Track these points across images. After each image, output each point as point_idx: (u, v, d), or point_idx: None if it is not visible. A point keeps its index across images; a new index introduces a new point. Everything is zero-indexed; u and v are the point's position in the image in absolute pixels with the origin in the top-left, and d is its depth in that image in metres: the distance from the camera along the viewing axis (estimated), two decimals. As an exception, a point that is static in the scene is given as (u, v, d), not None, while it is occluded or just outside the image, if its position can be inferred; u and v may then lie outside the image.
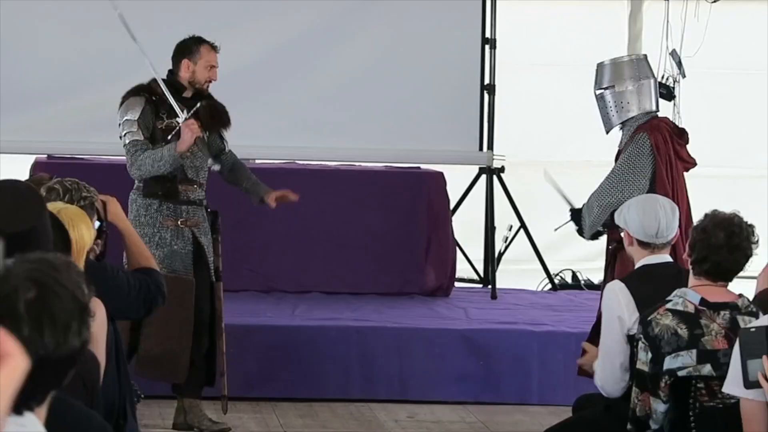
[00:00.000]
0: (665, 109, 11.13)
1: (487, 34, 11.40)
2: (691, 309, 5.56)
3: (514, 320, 9.97)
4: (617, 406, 6.07)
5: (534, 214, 11.64)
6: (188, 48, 8.53)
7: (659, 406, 5.68)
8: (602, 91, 8.36)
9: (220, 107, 8.51)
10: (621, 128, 8.32)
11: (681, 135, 8.31)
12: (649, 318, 5.58)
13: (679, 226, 7.34)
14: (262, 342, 9.49)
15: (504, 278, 11.65)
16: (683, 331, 5.56)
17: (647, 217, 6.31)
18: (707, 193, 11.17)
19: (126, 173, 8.52)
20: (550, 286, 11.82)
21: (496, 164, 11.55)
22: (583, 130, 11.91)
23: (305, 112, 11.33)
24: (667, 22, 11.65)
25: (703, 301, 5.57)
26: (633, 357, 5.89)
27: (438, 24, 11.28)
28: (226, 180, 8.67)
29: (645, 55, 8.62)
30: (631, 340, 5.98)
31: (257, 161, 11.36)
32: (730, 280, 5.71)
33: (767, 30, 11.94)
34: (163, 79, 8.43)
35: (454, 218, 11.33)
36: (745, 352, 4.98)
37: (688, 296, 5.59)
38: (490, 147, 11.60)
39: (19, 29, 11.08)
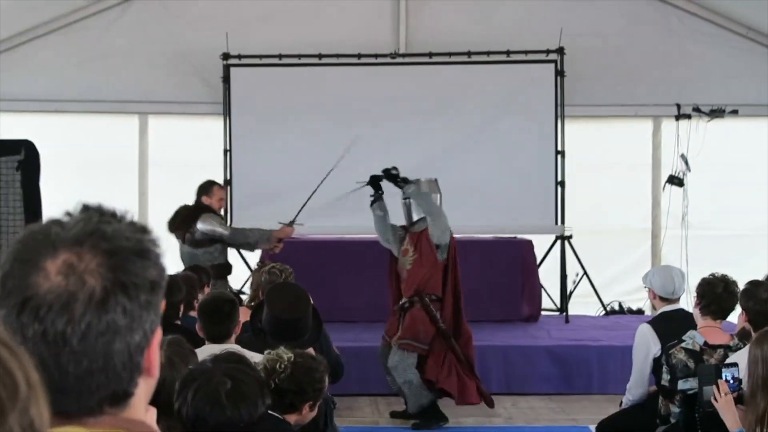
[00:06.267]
0: (677, 194, 11.38)
1: (559, 147, 11.67)
2: (697, 348, 5.63)
3: (581, 338, 10.03)
4: (650, 406, 6.03)
5: (592, 265, 11.62)
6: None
7: (675, 409, 5.76)
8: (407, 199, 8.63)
9: None
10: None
11: None
12: (670, 351, 5.70)
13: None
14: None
15: (573, 308, 11.69)
16: (691, 364, 5.59)
17: (666, 281, 6.36)
18: (708, 248, 11.50)
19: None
20: (604, 312, 11.70)
21: (567, 233, 11.68)
22: (621, 206, 11.96)
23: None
24: (678, 134, 11.76)
25: (706, 343, 5.62)
26: (658, 373, 5.88)
27: (527, 142, 11.50)
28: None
29: (435, 179, 8.82)
30: (657, 361, 6.07)
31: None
32: (726, 317, 5.71)
33: (744, 138, 11.88)
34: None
35: (539, 269, 11.48)
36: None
37: (696, 338, 5.65)
38: (563, 222, 11.68)
39: (247, 145, 11.40)
